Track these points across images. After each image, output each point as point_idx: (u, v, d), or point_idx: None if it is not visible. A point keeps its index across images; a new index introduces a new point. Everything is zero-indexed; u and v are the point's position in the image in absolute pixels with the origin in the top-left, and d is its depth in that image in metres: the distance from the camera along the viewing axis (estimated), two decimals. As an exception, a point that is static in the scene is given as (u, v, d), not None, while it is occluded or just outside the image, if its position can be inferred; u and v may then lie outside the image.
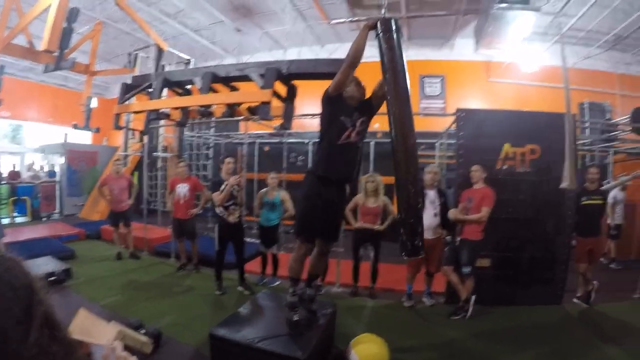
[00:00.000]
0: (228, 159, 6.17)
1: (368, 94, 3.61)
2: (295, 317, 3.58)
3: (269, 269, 6.71)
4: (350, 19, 11.42)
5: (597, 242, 6.19)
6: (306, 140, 10.94)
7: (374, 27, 3.03)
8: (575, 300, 6.17)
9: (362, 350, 3.73)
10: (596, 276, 6.18)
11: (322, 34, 13.08)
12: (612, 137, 10.21)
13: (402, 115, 2.82)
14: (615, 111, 12.98)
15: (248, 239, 6.84)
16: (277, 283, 6.59)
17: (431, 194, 5.78)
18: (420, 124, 11.37)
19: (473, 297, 5.40)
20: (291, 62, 5.12)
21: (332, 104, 3.39)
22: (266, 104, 4.85)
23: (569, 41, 12.50)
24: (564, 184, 5.36)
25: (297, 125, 8.89)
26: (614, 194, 8.02)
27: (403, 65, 2.92)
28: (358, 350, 3.72)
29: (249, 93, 5.28)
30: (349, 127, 3.38)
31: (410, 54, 12.84)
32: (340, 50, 13.31)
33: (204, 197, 7.47)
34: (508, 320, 5.45)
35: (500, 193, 5.54)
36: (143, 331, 3.94)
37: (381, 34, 2.94)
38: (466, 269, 5.37)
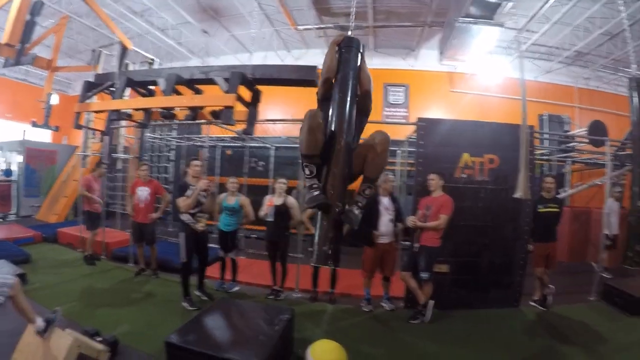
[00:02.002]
0: (195, 161, 5.95)
1: None
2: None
3: (228, 274, 6.66)
4: (317, 25, 11.50)
5: (553, 247, 6.44)
6: (269, 145, 10.87)
7: (339, 43, 3.07)
8: (532, 303, 6.43)
9: (319, 356, 3.73)
10: (553, 280, 6.45)
11: (289, 39, 13.09)
12: (570, 148, 10.52)
13: (338, 123, 2.81)
14: (574, 124, 13.45)
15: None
16: (237, 288, 6.58)
17: (385, 201, 5.91)
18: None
19: (431, 302, 5.52)
20: (256, 67, 5.09)
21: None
22: (229, 108, 4.81)
23: (531, 56, 13.04)
24: (518, 194, 5.54)
25: (261, 130, 8.86)
26: (609, 204, 8.20)
27: (351, 78, 2.94)
28: (315, 355, 3.72)
29: (213, 97, 5.21)
30: None
31: (375, 63, 13.08)
32: (306, 56, 13.48)
33: (165, 201, 7.35)
34: (466, 323, 5.61)
35: (459, 201, 5.70)
36: (99, 339, 3.89)
37: (343, 50, 3.00)
38: (424, 275, 5.47)
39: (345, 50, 2.98)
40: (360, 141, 2.90)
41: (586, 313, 6.27)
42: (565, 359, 4.70)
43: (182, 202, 5.59)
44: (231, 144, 11.47)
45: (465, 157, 6.24)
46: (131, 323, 4.95)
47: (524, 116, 5.97)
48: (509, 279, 6.37)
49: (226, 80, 4.90)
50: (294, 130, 7.63)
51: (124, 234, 8.95)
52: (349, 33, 3.36)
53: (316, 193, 2.63)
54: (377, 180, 2.83)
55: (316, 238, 2.67)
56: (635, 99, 6.10)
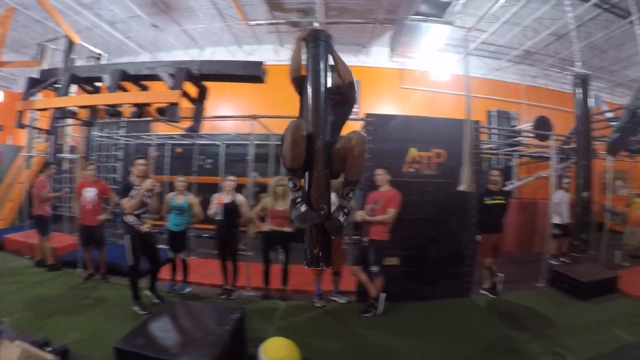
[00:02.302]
0: (140, 161, 5.71)
1: None
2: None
3: (179, 275, 6.54)
4: (268, 21, 11.40)
5: (500, 238, 6.69)
6: (218, 142, 10.69)
7: (305, 38, 3.04)
8: (482, 291, 6.67)
9: (272, 354, 3.73)
10: (502, 269, 6.73)
11: (241, 34, 12.90)
12: (517, 142, 10.84)
13: (314, 124, 2.77)
14: (521, 119, 13.91)
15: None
16: (188, 289, 6.48)
17: (332, 197, 5.89)
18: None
19: (383, 295, 5.62)
20: (202, 62, 5.00)
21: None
22: (174, 105, 4.72)
23: (480, 54, 13.44)
24: (462, 187, 5.68)
25: (210, 127, 8.73)
26: (559, 195, 8.49)
27: (322, 74, 2.90)
28: (267, 353, 3.72)
29: (158, 93, 5.09)
30: None
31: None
32: (257, 52, 13.35)
33: (113, 202, 7.11)
34: (418, 314, 5.76)
35: (407, 195, 5.81)
36: (49, 349, 3.74)
37: (310, 45, 2.96)
38: (374, 268, 5.55)
39: (313, 45, 2.94)
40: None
41: (535, 299, 6.57)
42: (515, 343, 4.89)
43: (126, 203, 5.41)
44: (180, 142, 11.21)
45: (413, 151, 6.37)
46: (82, 330, 4.79)
47: (467, 111, 6.11)
48: (458, 270, 6.56)
49: (172, 76, 4.81)
50: (243, 127, 7.56)
51: (71, 237, 8.61)
52: (315, 25, 3.28)
53: (303, 208, 2.59)
54: (359, 182, 2.74)
55: (306, 242, 2.67)
56: (579, 95, 6.38)
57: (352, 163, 2.61)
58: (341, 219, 2.65)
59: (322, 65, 2.88)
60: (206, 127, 8.53)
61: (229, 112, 8.45)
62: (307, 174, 2.68)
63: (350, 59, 13.36)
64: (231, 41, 13.21)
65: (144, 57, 13.61)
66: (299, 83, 3.04)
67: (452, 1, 9.03)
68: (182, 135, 10.38)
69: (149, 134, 11.14)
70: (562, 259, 8.91)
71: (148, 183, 5.49)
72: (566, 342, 4.90)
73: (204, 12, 11.24)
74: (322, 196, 2.65)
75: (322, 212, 2.61)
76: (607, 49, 13.18)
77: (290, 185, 2.68)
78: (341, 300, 6.13)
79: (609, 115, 10.76)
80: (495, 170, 6.98)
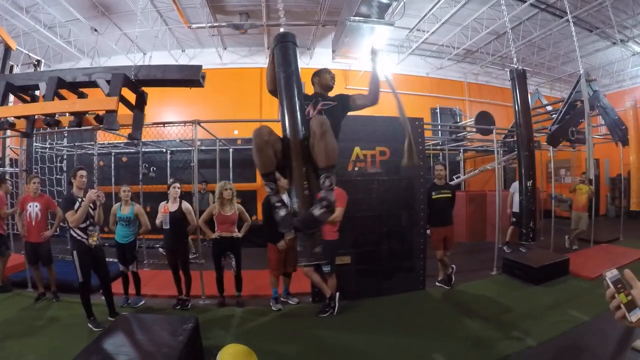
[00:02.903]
0: (81, 172, 5.39)
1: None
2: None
3: (132, 289, 6.29)
4: (210, 24, 11.24)
5: (450, 230, 6.81)
6: (164, 149, 10.46)
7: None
8: (437, 283, 6.83)
9: (228, 361, 3.62)
10: (455, 260, 6.89)
11: (183, 38, 12.76)
12: (461, 137, 11.09)
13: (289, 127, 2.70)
14: (465, 115, 14.34)
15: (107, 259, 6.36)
16: (142, 302, 6.23)
17: (284, 198, 5.83)
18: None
19: (337, 294, 5.60)
20: (139, 67, 4.81)
21: None
22: (112, 112, 4.52)
23: (423, 53, 13.77)
24: (403, 162, 5.64)
25: (156, 134, 8.48)
26: (514, 185, 8.72)
27: (294, 73, 2.85)
28: (224, 361, 3.61)
29: (95, 101, 4.85)
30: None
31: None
32: (200, 56, 13.25)
33: (59, 216, 6.72)
34: (375, 310, 5.77)
35: (354, 193, 5.86)
36: None
37: (274, 51, 2.92)
38: (326, 268, 5.54)
39: (276, 48, 2.92)
40: None
41: (490, 287, 6.78)
42: (474, 331, 4.99)
43: (70, 216, 5.10)
44: (125, 151, 10.92)
45: (357, 150, 6.40)
46: (36, 353, 4.51)
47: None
48: (411, 264, 6.64)
49: (108, 82, 4.62)
50: (189, 133, 7.39)
51: (19, 256, 8.08)
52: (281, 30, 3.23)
53: (283, 213, 2.63)
54: (334, 167, 2.63)
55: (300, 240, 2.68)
56: (516, 89, 6.56)
57: (318, 147, 2.53)
58: (316, 211, 2.51)
59: (287, 67, 2.85)
60: (151, 134, 8.31)
61: (174, 118, 8.20)
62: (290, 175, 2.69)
63: None
64: (173, 45, 13.04)
65: (85, 63, 13.13)
66: (275, 93, 3.02)
67: (391, 2, 9.12)
68: (126, 144, 10.08)
69: (92, 143, 10.65)
70: (518, 247, 9.24)
71: (91, 194, 5.22)
72: (524, 325, 5.03)
73: (145, 16, 10.96)
74: (303, 195, 2.62)
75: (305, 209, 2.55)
76: (545, 47, 13.84)
77: (268, 189, 2.75)
78: (292, 301, 6.10)
79: (549, 108, 11.18)
80: (439, 164, 7.12)
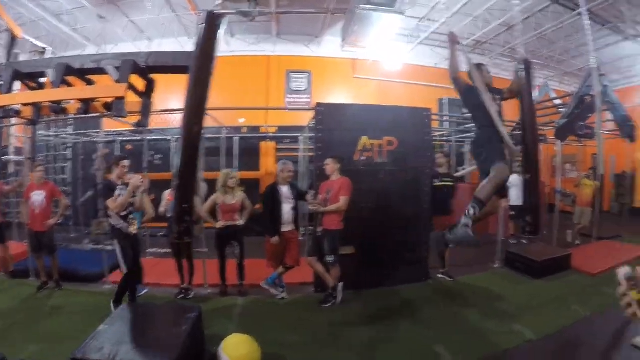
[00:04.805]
0: (124, 161, 5.36)
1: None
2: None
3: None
4: (219, 11, 11.16)
5: (450, 220, 6.64)
6: (169, 137, 10.45)
7: None
8: (439, 275, 6.85)
9: (231, 351, 3.67)
10: (459, 252, 6.86)
11: (190, 25, 12.42)
12: (468, 129, 11.03)
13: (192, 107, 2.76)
14: (473, 107, 14.23)
15: (110, 247, 6.31)
16: (145, 291, 6.17)
17: (285, 190, 5.88)
18: (286, 119, 11.72)
19: (340, 284, 5.61)
20: (149, 54, 4.77)
21: None
22: (120, 99, 4.52)
23: (432, 43, 13.66)
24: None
25: (160, 121, 8.49)
26: (512, 178, 8.72)
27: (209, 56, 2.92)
28: (227, 351, 3.66)
29: (103, 88, 4.84)
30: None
31: (278, 50, 13.27)
32: (207, 43, 13.05)
33: (62, 205, 6.74)
34: (378, 301, 5.80)
35: (360, 183, 5.85)
36: None
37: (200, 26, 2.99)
38: (330, 258, 5.55)
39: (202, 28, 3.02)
40: None
41: (492, 279, 6.84)
42: (474, 323, 5.04)
43: (111, 203, 5.06)
44: (130, 138, 10.92)
45: (364, 140, 6.35)
46: (39, 342, 4.52)
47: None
48: (415, 255, 6.65)
49: (117, 69, 4.62)
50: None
51: (21, 245, 8.00)
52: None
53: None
54: None
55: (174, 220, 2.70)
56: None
57: None
58: None
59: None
60: (156, 121, 8.31)
61: (179, 105, 8.15)
62: None
63: (301, 50, 13.61)
64: (181, 32, 12.86)
65: (91, 50, 13.04)
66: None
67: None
68: (131, 132, 10.06)
69: (98, 131, 10.61)
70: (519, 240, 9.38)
71: (136, 180, 5.17)
72: (524, 319, 5.05)
73: (152, 2, 10.91)
74: None
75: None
76: (556, 40, 13.68)
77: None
78: (275, 292, 5.96)
79: (558, 102, 11.11)
80: (440, 153, 7.19)
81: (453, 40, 3.89)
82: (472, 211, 3.39)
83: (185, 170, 3.93)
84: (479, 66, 4.06)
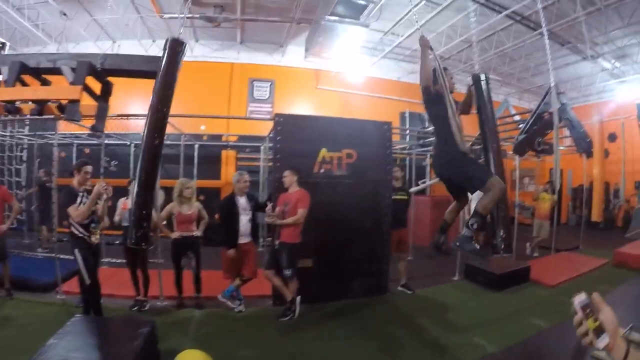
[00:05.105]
0: (87, 167, 5.00)
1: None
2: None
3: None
4: (183, 14, 10.99)
5: (403, 233, 6.93)
6: (128, 142, 10.10)
7: None
8: (400, 288, 6.80)
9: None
10: (419, 264, 7.17)
11: (155, 28, 12.34)
12: (428, 142, 11.13)
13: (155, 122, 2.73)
14: (433, 121, 14.47)
15: (62, 256, 6.10)
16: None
17: (242, 201, 5.75)
18: (248, 128, 11.64)
19: (298, 298, 5.50)
20: (105, 56, 4.64)
21: None
22: (74, 102, 4.34)
23: (396, 57, 13.87)
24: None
25: (120, 126, 8.23)
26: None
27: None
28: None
29: (58, 89, 4.66)
30: None
31: (242, 57, 13.24)
32: (172, 47, 12.82)
33: (15, 209, 6.43)
34: (337, 315, 5.71)
35: (319, 195, 5.79)
36: None
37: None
38: (287, 272, 5.43)
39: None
40: None
41: (452, 292, 6.86)
42: (434, 337, 5.01)
43: (74, 211, 4.72)
44: (88, 142, 10.55)
45: (323, 152, 6.30)
46: None
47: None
48: (374, 268, 6.59)
49: (73, 70, 4.44)
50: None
51: None
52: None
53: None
54: None
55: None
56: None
57: None
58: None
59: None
60: (116, 126, 8.06)
61: (141, 110, 7.86)
62: None
63: (265, 58, 13.62)
64: (144, 34, 12.62)
65: (52, 48, 12.44)
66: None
67: (368, 4, 9.10)
68: (89, 135, 9.71)
69: (54, 133, 10.23)
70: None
71: (99, 187, 4.78)
72: (485, 332, 5.08)
73: (116, 2, 10.56)
74: None
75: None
76: (517, 58, 14.07)
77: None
78: (233, 304, 5.79)
79: (517, 118, 11.39)
80: (396, 166, 7.18)
81: (425, 45, 3.84)
82: (475, 225, 3.41)
83: (146, 178, 4.14)
84: (445, 70, 4.05)
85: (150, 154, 4.20)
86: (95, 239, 4.96)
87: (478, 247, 3.52)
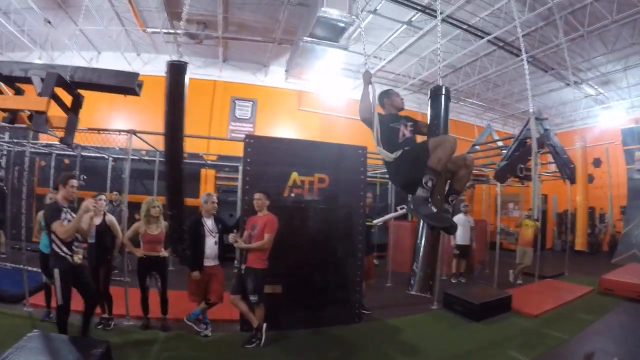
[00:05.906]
0: (72, 181, 4.74)
1: None
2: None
3: (54, 302, 5.77)
4: (165, 30, 10.99)
5: (369, 259, 6.81)
6: (106, 156, 9.75)
7: None
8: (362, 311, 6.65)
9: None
10: (396, 291, 7.09)
11: (139, 41, 12.34)
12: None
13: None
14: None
15: (29, 267, 5.94)
16: (51, 317, 5.65)
17: (209, 223, 5.63)
18: (227, 147, 11.57)
19: (264, 325, 5.33)
20: (75, 68, 4.51)
21: None
22: (41, 113, 4.18)
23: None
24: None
25: (100, 140, 7.93)
26: (457, 218, 8.76)
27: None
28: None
29: (25, 99, 4.50)
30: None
31: (224, 75, 13.27)
32: (155, 62, 12.82)
33: None
34: (306, 344, 5.52)
35: (288, 220, 5.74)
36: None
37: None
38: (253, 298, 5.25)
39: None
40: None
41: (428, 322, 6.68)
42: None
43: (59, 227, 4.45)
44: (67, 153, 10.24)
45: (294, 176, 6.18)
46: None
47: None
48: (346, 296, 6.41)
49: (42, 80, 4.29)
50: (134, 141, 6.91)
51: None
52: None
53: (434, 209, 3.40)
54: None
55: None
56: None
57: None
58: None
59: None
60: (97, 139, 7.85)
61: (122, 125, 7.65)
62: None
63: (248, 77, 13.65)
64: (128, 47, 12.59)
65: (36, 55, 12.47)
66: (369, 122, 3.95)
67: (347, 27, 9.08)
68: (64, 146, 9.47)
69: (32, 141, 9.91)
70: (459, 278, 9.62)
71: (88, 203, 4.55)
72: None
73: (102, 13, 10.55)
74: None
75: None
76: (500, 84, 14.22)
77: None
78: (199, 328, 5.60)
79: (500, 144, 11.40)
80: (370, 193, 7.13)
81: (367, 81, 3.83)
82: (429, 183, 3.34)
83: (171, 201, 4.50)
84: (387, 92, 4.26)
85: (173, 179, 4.43)
86: (77, 258, 4.69)
87: (435, 210, 3.38)
